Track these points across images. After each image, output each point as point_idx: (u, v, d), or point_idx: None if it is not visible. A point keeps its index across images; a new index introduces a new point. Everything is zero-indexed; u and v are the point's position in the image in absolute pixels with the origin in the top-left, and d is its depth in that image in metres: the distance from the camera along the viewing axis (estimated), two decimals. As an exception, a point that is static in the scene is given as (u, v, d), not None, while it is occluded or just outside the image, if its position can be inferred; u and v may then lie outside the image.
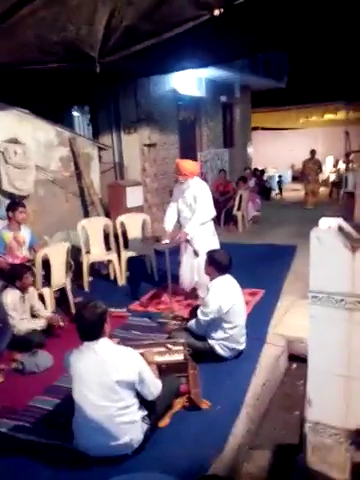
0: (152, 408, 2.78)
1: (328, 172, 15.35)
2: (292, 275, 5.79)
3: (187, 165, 4.98)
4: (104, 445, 2.58)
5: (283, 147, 17.50)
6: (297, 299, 4.89)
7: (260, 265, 6.29)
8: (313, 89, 13.68)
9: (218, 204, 9.22)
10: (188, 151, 10.18)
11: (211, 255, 3.82)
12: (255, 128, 16.18)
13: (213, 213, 5.06)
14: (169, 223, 5.00)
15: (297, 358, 4.04)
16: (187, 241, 4.85)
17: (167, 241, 4.81)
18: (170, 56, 5.23)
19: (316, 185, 11.46)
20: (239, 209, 8.88)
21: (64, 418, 2.96)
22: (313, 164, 11.31)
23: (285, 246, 7.25)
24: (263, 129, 17.79)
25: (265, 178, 13.94)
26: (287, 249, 7.02)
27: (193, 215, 4.83)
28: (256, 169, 13.30)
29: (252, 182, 10.71)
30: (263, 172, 14.08)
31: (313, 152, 11.41)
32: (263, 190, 12.37)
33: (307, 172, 11.29)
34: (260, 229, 8.96)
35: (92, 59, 4.08)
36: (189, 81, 9.38)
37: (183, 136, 9.76)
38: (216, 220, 8.78)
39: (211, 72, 9.26)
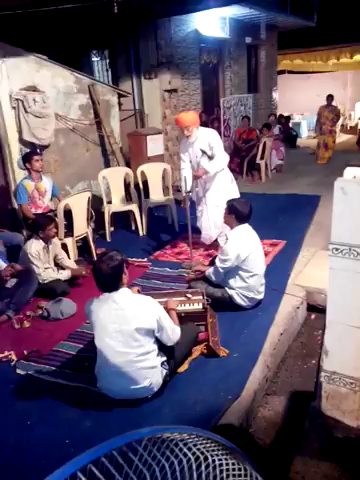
0: (171, 354, 2.87)
1: (357, 119, 14.68)
2: (315, 226, 5.71)
3: (187, 116, 4.83)
4: (125, 388, 2.70)
5: (310, 92, 16.70)
6: (318, 250, 4.84)
7: (282, 215, 6.21)
8: (344, 28, 12.80)
9: (240, 152, 9.06)
10: (210, 97, 9.85)
11: (231, 204, 3.77)
12: (281, 72, 15.42)
13: (227, 159, 4.93)
14: (187, 171, 4.86)
15: (316, 309, 4.06)
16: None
17: (189, 190, 4.75)
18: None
19: (330, 137, 10.07)
20: (262, 158, 8.66)
21: (87, 362, 3.10)
22: (329, 112, 9.94)
23: (309, 196, 7.11)
24: (289, 73, 16.93)
25: (290, 125, 13.45)
26: (311, 199, 6.88)
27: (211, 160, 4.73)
28: (281, 115, 12.80)
29: (276, 129, 10.37)
30: (289, 119, 13.56)
31: (330, 97, 9.97)
32: (288, 137, 11.98)
33: (322, 121, 9.97)
34: (284, 178, 8.76)
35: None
36: (212, 21, 8.90)
37: (205, 81, 9.42)
38: (238, 169, 8.72)
39: (236, 11, 8.76)
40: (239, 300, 3.73)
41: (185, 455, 0.79)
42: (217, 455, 0.84)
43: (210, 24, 8.85)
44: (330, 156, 10.05)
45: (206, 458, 0.83)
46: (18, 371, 3.16)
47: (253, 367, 3.03)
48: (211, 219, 4.95)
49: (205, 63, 9.42)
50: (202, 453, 0.82)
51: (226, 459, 0.84)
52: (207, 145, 4.73)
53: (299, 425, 2.51)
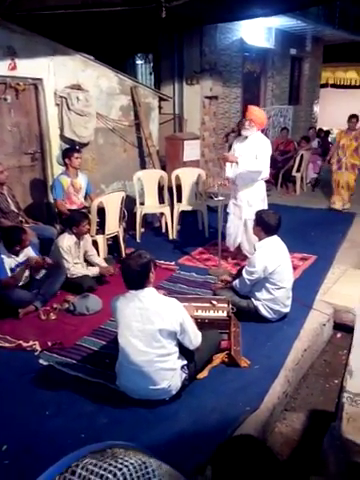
0: (192, 359, 2.86)
1: None
2: (347, 243, 5.59)
3: (257, 111, 4.74)
4: (143, 388, 2.71)
5: (352, 107, 16.38)
6: (349, 268, 4.74)
7: (314, 230, 6.11)
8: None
9: (277, 163, 8.96)
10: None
11: (260, 216, 3.74)
12: (324, 85, 15.21)
13: (267, 174, 4.85)
14: (231, 170, 4.77)
15: (342, 327, 3.97)
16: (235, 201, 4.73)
17: (221, 198, 4.74)
18: (241, 0, 4.95)
19: (352, 173, 7.09)
20: (298, 170, 8.56)
21: (108, 359, 3.13)
22: (353, 139, 6.94)
23: (343, 212, 6.97)
24: (332, 86, 16.68)
25: (329, 139, 13.23)
26: (345, 216, 6.75)
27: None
28: (320, 129, 12.62)
29: (315, 143, 10.22)
30: (328, 133, 13.35)
31: (355, 118, 7.01)
32: (326, 152, 11.78)
33: (340, 152, 7.08)
34: (318, 193, 8.63)
35: (159, 2, 3.95)
36: (258, 31, 8.90)
37: (246, 90, 9.40)
38: (273, 180, 8.64)
39: (283, 21, 8.72)
40: (264, 312, 3.69)
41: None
42: None
43: (255, 34, 8.84)
44: (349, 199, 7.21)
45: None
46: (41, 361, 3.23)
47: (273, 381, 2.99)
48: (235, 227, 4.89)
49: (248, 72, 9.40)
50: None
51: None
52: (255, 151, 4.61)
53: (316, 445, 2.46)
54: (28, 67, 5.17)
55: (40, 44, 5.27)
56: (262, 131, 4.85)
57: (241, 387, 2.92)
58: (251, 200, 4.72)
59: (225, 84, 8.45)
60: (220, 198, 4.68)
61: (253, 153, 4.59)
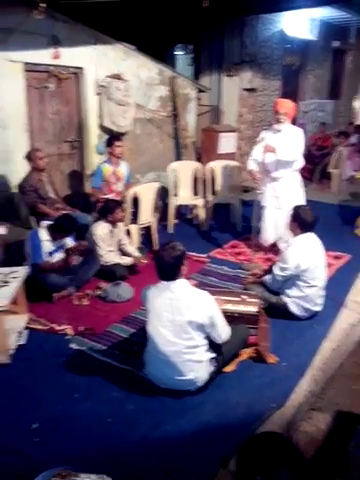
0: (219, 352, 2.88)
1: None
2: (384, 243, 5.45)
3: (289, 103, 4.77)
4: (170, 378, 2.75)
5: None
6: (385, 269, 4.62)
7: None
8: None
9: (314, 159, 8.79)
10: (289, 99, 9.62)
11: (296, 211, 3.70)
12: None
13: (302, 163, 4.82)
14: (254, 163, 4.79)
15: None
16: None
17: (259, 191, 4.71)
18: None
19: None
20: (336, 167, 8.36)
21: (137, 347, 3.18)
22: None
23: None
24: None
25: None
26: (383, 215, 6.56)
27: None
28: (358, 126, 12.23)
29: (354, 138, 9.92)
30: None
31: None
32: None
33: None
34: (356, 190, 8.40)
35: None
36: (300, 22, 8.68)
37: (286, 82, 9.22)
38: (309, 175, 8.48)
39: (326, 12, 8.46)
40: (294, 309, 3.66)
41: None
42: None
43: (297, 25, 8.63)
44: None
45: None
46: (72, 345, 3.32)
47: (300, 379, 2.98)
48: (272, 221, 4.88)
49: (287, 64, 9.21)
50: None
51: None
52: (289, 141, 4.61)
53: (342, 448, 2.44)
54: (71, 56, 5.25)
55: (83, 33, 5.34)
56: (300, 126, 4.82)
57: (267, 383, 2.92)
58: (290, 190, 4.71)
59: (264, 76, 8.32)
60: (259, 191, 4.67)
61: (288, 143, 4.60)
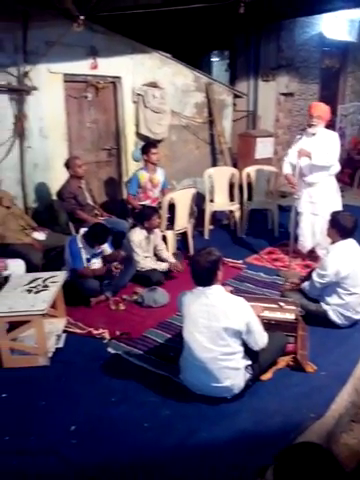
0: (256, 359, 2.83)
1: None
2: None
3: (323, 106, 4.71)
4: (206, 385, 2.73)
5: None
6: None
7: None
8: None
9: (354, 163, 8.57)
10: (327, 103, 9.38)
11: (335, 217, 3.61)
12: None
13: (338, 169, 4.73)
14: (289, 166, 4.73)
15: None
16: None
17: (296, 196, 4.64)
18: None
19: None
20: (377, 171, 8.12)
21: (173, 353, 3.18)
22: None
23: None
24: None
25: None
26: None
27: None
28: None
29: None
30: None
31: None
32: None
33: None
34: None
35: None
36: (339, 24, 8.49)
37: (324, 86, 9.03)
38: (349, 180, 8.27)
39: (368, 13, 8.24)
40: (334, 317, 3.56)
41: None
42: None
43: (336, 27, 8.46)
44: None
45: None
46: (109, 349, 3.36)
47: (341, 389, 2.88)
48: (309, 227, 4.79)
49: (326, 67, 9.03)
50: None
51: None
52: (325, 145, 4.54)
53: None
54: (108, 66, 5.37)
55: (120, 43, 5.45)
56: (339, 130, 4.73)
57: (306, 392, 2.85)
58: (326, 195, 4.62)
59: (302, 80, 8.19)
60: (296, 196, 4.61)
61: (324, 148, 4.53)
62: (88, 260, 4.07)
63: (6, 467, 2.32)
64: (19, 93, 4.73)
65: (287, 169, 4.75)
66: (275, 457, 1.31)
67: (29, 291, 3.29)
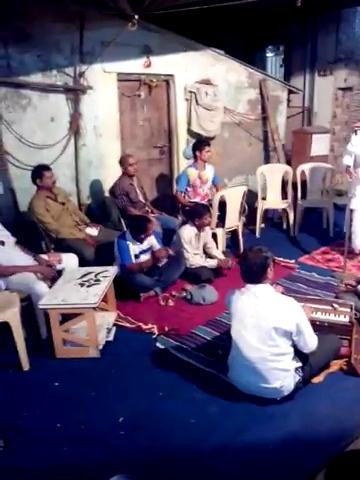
0: (307, 361, 2.74)
1: None
2: None
3: None
4: (254, 385, 2.67)
5: None
6: None
7: None
8: None
9: None
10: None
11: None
12: None
13: None
14: (350, 158, 4.49)
15: None
16: None
17: (349, 195, 4.45)
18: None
19: None
20: None
21: (221, 351, 3.16)
22: None
23: None
24: None
25: None
26: None
27: None
28: None
29: None
30: None
31: None
32: None
33: None
34: None
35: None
36: None
37: (386, 79, 8.60)
38: None
39: None
40: (392, 321, 3.38)
41: None
42: None
43: None
44: None
45: None
46: (157, 344, 3.39)
47: None
48: None
49: (389, 59, 8.60)
50: None
51: None
52: None
53: None
54: (161, 64, 5.42)
55: (173, 41, 5.47)
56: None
57: (359, 398, 2.72)
58: None
59: (362, 74, 7.85)
60: (350, 194, 4.43)
61: None
62: (137, 256, 4.13)
63: (57, 453, 2.39)
64: (75, 93, 4.88)
65: (348, 160, 4.51)
66: (327, 464, 1.26)
67: (81, 285, 3.38)
